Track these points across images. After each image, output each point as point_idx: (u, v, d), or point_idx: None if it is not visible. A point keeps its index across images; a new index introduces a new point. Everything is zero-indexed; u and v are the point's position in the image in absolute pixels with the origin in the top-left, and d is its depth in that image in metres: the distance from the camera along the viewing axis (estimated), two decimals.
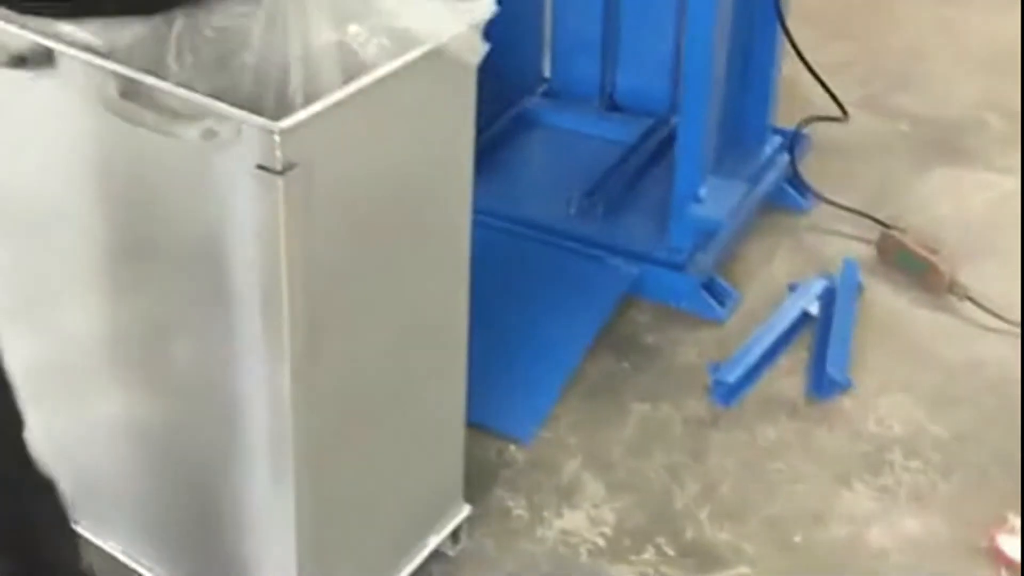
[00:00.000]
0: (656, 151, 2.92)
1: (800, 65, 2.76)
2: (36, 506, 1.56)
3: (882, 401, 2.46)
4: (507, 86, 3.08)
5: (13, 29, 1.63)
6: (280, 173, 1.50)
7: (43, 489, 1.58)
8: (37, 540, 1.56)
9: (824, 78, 2.83)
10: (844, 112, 2.78)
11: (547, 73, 3.17)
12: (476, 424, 2.25)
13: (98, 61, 1.58)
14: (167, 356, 1.78)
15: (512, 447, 2.34)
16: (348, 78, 1.61)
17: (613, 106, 3.10)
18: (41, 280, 1.89)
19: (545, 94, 3.15)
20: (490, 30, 2.95)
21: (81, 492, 2.00)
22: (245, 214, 1.56)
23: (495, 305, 2.51)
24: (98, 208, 1.73)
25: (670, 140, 2.92)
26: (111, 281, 1.79)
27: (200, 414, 1.79)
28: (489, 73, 2.96)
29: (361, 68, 1.62)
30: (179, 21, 1.63)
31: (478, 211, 2.60)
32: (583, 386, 2.48)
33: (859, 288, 2.71)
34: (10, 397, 1.51)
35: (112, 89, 1.56)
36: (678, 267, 2.63)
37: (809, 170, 3.02)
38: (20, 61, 1.65)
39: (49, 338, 1.94)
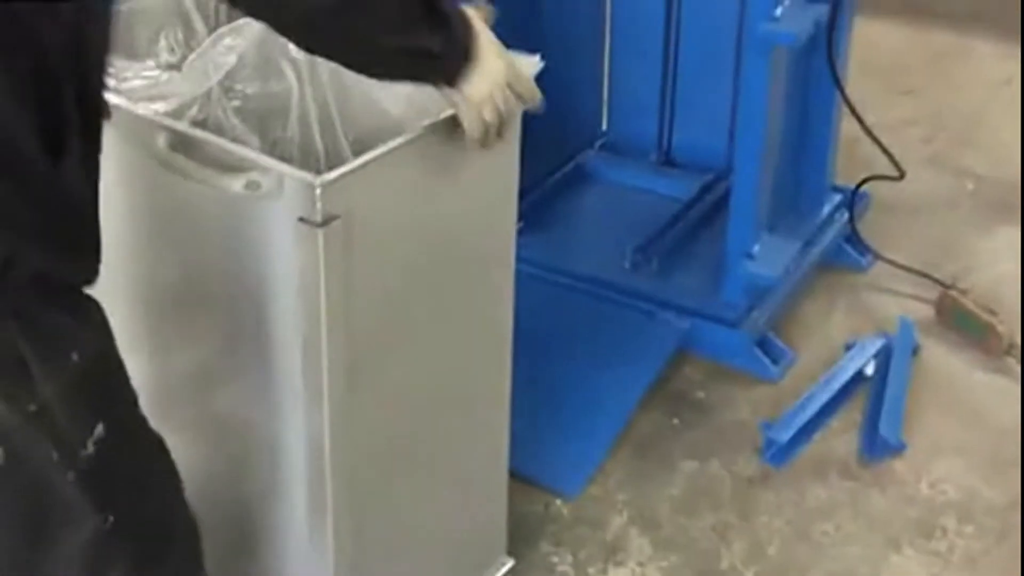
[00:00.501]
0: (712, 207, 2.92)
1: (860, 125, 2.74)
2: (148, 469, 1.60)
3: (936, 464, 2.41)
4: (564, 139, 3.10)
5: None
6: (320, 225, 1.52)
7: (157, 447, 1.62)
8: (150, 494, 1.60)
9: (887, 135, 2.81)
10: (901, 172, 2.75)
11: (604, 127, 3.19)
12: (523, 476, 2.26)
13: (150, 114, 1.63)
14: (209, 398, 1.81)
15: (559, 501, 2.34)
16: (391, 133, 1.63)
17: (670, 162, 3.11)
18: None
19: (602, 148, 3.17)
20: (548, 84, 2.99)
21: None
22: (287, 264, 1.58)
23: (547, 357, 2.53)
24: (144, 255, 1.77)
25: (726, 197, 2.92)
26: (157, 326, 1.82)
27: (240, 457, 1.81)
28: (546, 126, 2.99)
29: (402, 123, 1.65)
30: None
31: (531, 263, 2.65)
32: (632, 441, 2.47)
33: (915, 348, 2.67)
34: (127, 383, 1.56)
35: (161, 141, 1.60)
36: (731, 324, 2.62)
37: (869, 228, 3.00)
38: None
39: None
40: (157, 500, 1.62)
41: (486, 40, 1.59)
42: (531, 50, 2.99)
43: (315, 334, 1.58)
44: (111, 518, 1.50)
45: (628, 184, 3.08)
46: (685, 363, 2.66)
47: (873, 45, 3.63)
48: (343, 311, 1.59)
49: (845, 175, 2.98)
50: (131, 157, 1.70)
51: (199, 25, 1.83)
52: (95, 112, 1.41)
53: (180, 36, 1.84)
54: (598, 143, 3.18)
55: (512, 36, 2.93)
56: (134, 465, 1.56)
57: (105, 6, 1.39)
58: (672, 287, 2.72)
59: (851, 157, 3.01)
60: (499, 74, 1.60)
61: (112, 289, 1.84)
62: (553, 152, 3.08)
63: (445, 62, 1.54)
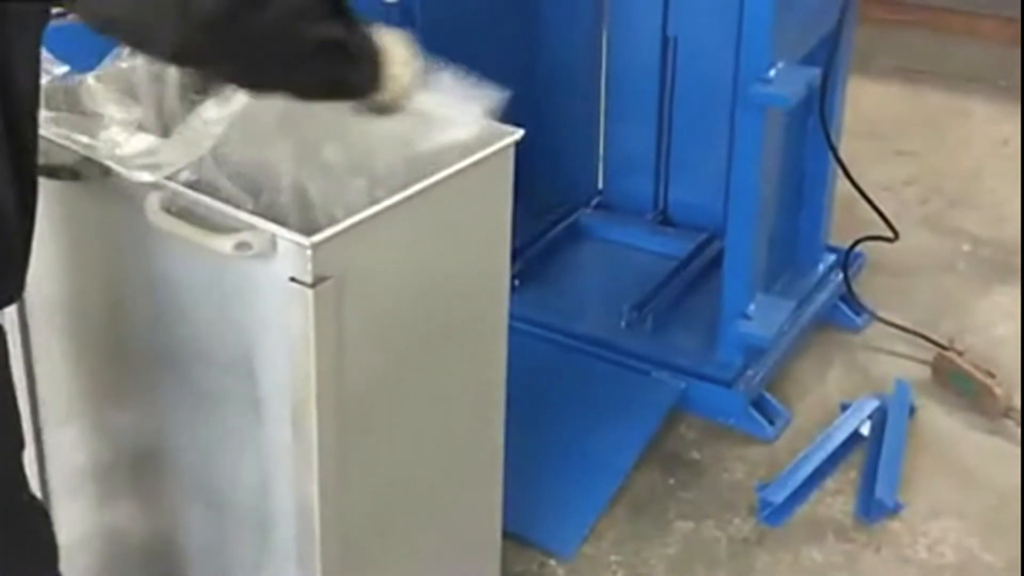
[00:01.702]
0: (707, 266, 2.92)
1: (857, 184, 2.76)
2: (28, 527, 1.56)
3: (933, 526, 2.40)
4: (560, 198, 3.11)
5: (67, 143, 1.68)
6: (311, 286, 1.52)
7: (37, 512, 1.59)
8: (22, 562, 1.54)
9: (883, 196, 2.82)
10: (895, 232, 2.76)
11: (600, 186, 3.20)
12: (517, 536, 2.25)
13: (147, 177, 1.63)
14: (196, 463, 1.80)
15: (553, 561, 2.32)
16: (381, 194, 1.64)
17: (666, 220, 3.12)
18: (86, 383, 1.93)
19: (598, 206, 3.18)
20: (544, 143, 3.01)
21: None
22: (277, 325, 1.58)
23: (541, 416, 2.52)
24: (134, 314, 1.77)
25: (722, 256, 2.92)
26: (142, 385, 1.82)
27: (229, 519, 1.79)
28: (543, 184, 3.02)
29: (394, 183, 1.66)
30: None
31: (527, 321, 2.65)
32: (627, 501, 2.45)
33: (912, 409, 2.67)
34: (16, 417, 1.51)
35: (153, 202, 1.61)
36: (726, 384, 2.61)
37: (864, 288, 3.00)
38: (74, 175, 1.71)
39: (93, 441, 1.97)
40: (35, 570, 1.58)
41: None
42: (526, 110, 3.02)
43: (306, 399, 1.58)
44: None
45: (624, 243, 3.09)
46: (680, 422, 2.65)
47: (868, 106, 3.66)
48: (335, 375, 1.59)
49: (842, 235, 2.99)
50: (121, 217, 1.71)
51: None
52: (27, 149, 1.41)
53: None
54: (594, 202, 3.19)
55: (509, 97, 2.98)
56: (16, 519, 1.52)
57: (27, 37, 1.38)
58: (667, 346, 2.71)
59: (847, 217, 3.02)
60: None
61: (97, 345, 1.85)
62: (549, 210, 3.10)
63: (355, 47, 1.49)
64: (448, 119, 1.63)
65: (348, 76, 1.51)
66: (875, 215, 2.79)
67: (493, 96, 1.66)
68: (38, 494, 2.05)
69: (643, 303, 2.79)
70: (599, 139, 3.16)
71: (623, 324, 2.77)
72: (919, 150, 3.75)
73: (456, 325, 1.80)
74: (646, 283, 2.87)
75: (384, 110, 1.58)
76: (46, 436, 2.03)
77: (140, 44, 1.42)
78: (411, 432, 1.79)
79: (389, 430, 1.74)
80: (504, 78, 2.91)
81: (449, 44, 2.71)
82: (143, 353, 1.80)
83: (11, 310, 1.79)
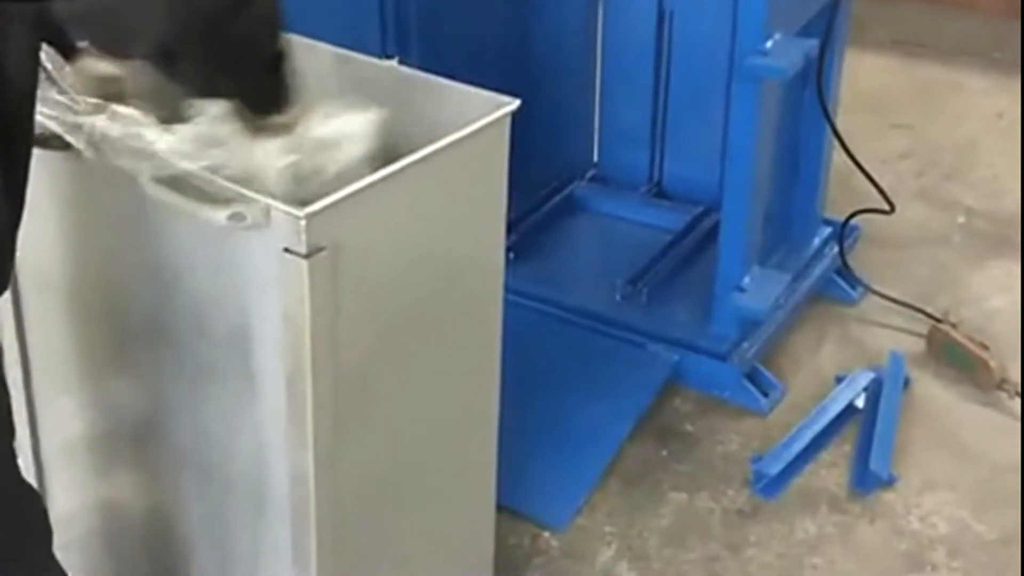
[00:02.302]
0: (703, 239, 2.92)
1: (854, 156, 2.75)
2: (21, 513, 1.56)
3: (926, 498, 2.40)
4: (555, 171, 3.10)
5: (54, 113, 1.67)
6: (306, 256, 1.52)
7: (29, 497, 1.59)
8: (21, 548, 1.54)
9: (878, 169, 2.81)
10: (891, 205, 2.75)
11: (596, 158, 3.19)
12: (510, 509, 2.26)
13: (138, 144, 1.62)
14: (190, 434, 1.79)
15: (546, 534, 2.32)
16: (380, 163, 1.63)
17: (661, 193, 3.11)
18: (80, 355, 1.92)
19: (593, 179, 3.17)
20: (539, 115, 3.00)
21: (106, 562, 2.04)
22: (272, 296, 1.58)
23: (535, 389, 2.52)
24: (130, 286, 1.77)
25: (717, 229, 2.91)
26: (136, 356, 1.82)
27: (224, 491, 1.79)
28: (538, 157, 3.01)
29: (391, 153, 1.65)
30: None
31: (521, 294, 2.64)
32: (621, 473, 2.46)
33: (906, 382, 2.67)
34: (7, 404, 1.50)
35: (145, 172, 1.60)
36: (721, 356, 2.61)
37: (859, 261, 3.00)
38: (65, 145, 1.70)
39: (87, 413, 1.96)
40: (28, 551, 1.57)
41: None
42: (522, 81, 3.01)
43: (301, 369, 1.57)
44: None
45: (619, 215, 3.08)
46: (674, 395, 2.65)
47: (864, 78, 3.64)
48: (329, 345, 1.58)
49: (837, 208, 2.98)
50: (114, 188, 1.70)
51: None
52: (18, 139, 1.40)
53: None
54: (589, 174, 3.18)
55: (503, 68, 2.97)
56: (7, 501, 1.52)
57: (17, 30, 1.36)
58: (662, 319, 2.71)
59: (843, 190, 3.01)
60: None
61: (91, 317, 1.85)
62: (544, 183, 3.08)
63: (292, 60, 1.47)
64: (339, 137, 1.61)
65: (285, 88, 1.53)
66: (871, 188, 2.78)
67: (375, 116, 1.63)
68: (31, 465, 2.06)
69: (638, 276, 2.79)
70: (594, 111, 3.15)
71: (617, 297, 2.77)
72: (914, 123, 3.74)
73: (452, 297, 1.80)
74: (641, 256, 2.86)
75: (280, 129, 1.57)
76: (39, 407, 2.02)
77: (117, 39, 1.38)
78: (406, 404, 1.78)
79: (384, 401, 1.74)
80: (499, 50, 2.94)
81: (443, 15, 2.73)
82: (138, 325, 1.80)
83: None
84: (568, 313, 2.75)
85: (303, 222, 1.50)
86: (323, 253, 1.53)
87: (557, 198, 3.09)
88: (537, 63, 3.05)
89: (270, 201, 1.53)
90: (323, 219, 1.51)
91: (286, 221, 1.52)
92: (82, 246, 1.81)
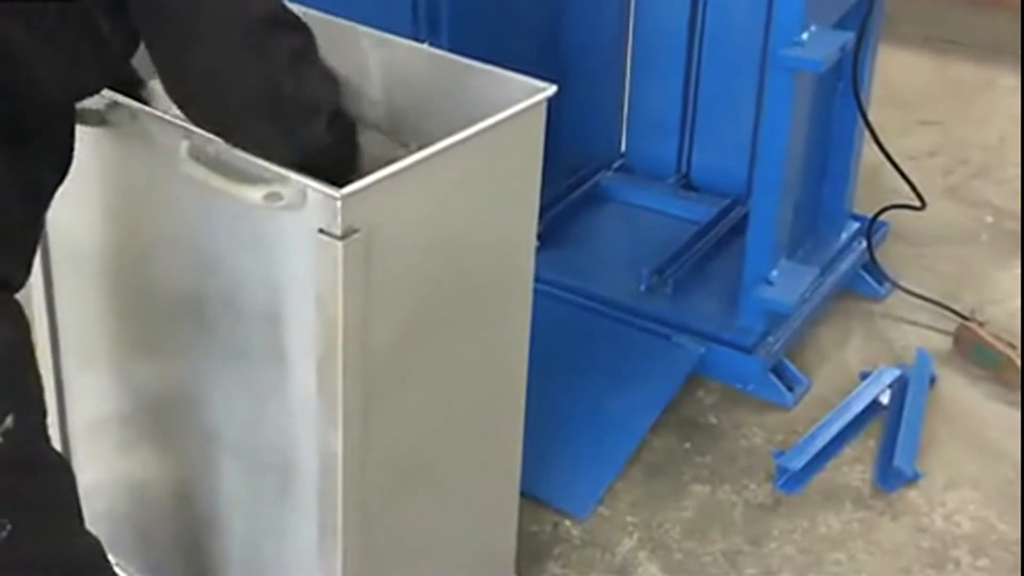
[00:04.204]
0: (730, 231, 2.91)
1: (883, 152, 2.73)
2: (54, 484, 1.59)
3: (950, 496, 2.39)
4: (583, 160, 3.09)
5: None
6: (340, 238, 1.51)
7: (62, 469, 1.61)
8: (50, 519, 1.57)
9: (907, 165, 2.80)
10: (923, 202, 2.74)
11: (623, 148, 3.18)
12: (533, 496, 2.25)
13: (175, 121, 1.62)
14: (219, 412, 1.79)
15: (568, 522, 2.32)
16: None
17: (688, 185, 3.09)
18: (110, 331, 1.93)
19: (620, 169, 3.16)
20: (567, 103, 2.98)
21: (130, 536, 2.04)
22: (305, 276, 1.57)
23: (559, 378, 2.51)
24: (163, 264, 1.77)
25: (745, 221, 2.90)
26: (167, 333, 1.82)
27: (252, 470, 1.80)
28: (565, 146, 3.00)
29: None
30: None
31: (547, 283, 2.63)
32: (644, 464, 2.45)
33: (932, 379, 2.65)
34: (39, 383, 1.55)
35: (183, 149, 1.60)
36: (746, 349, 2.60)
37: (887, 257, 2.98)
38: (101, 120, 1.70)
39: (115, 389, 1.97)
40: (57, 520, 1.60)
41: None
42: (551, 69, 3.00)
43: (332, 350, 1.57)
44: (8, 527, 1.47)
45: (646, 206, 3.06)
46: (699, 387, 2.65)
47: (895, 74, 3.62)
48: (361, 328, 1.58)
49: (865, 203, 2.97)
50: (150, 165, 1.70)
51: None
52: (43, 147, 1.50)
53: None
54: (616, 164, 3.17)
55: (533, 55, 2.95)
56: (37, 472, 1.55)
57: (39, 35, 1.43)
58: (688, 311, 2.70)
59: (872, 185, 3.00)
60: None
61: (123, 293, 1.85)
62: (571, 172, 3.07)
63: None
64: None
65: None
66: (899, 184, 2.76)
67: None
68: (58, 439, 2.06)
69: (664, 267, 2.77)
70: (623, 100, 3.13)
71: (643, 288, 2.76)
72: (944, 120, 3.72)
73: (482, 282, 1.79)
74: (667, 247, 2.85)
75: None
76: (68, 381, 2.03)
77: (225, 135, 1.56)
78: (434, 388, 1.78)
79: (413, 385, 1.73)
80: (529, 36, 2.92)
81: (477, 3, 2.72)
82: (170, 303, 1.80)
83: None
84: (593, 303, 2.74)
85: (339, 203, 1.50)
86: (358, 235, 1.53)
87: (584, 187, 3.08)
88: (567, 49, 3.03)
89: (306, 181, 1.52)
90: (358, 201, 1.51)
91: (322, 202, 1.52)
92: (116, 223, 1.81)
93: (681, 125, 3.06)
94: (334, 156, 1.62)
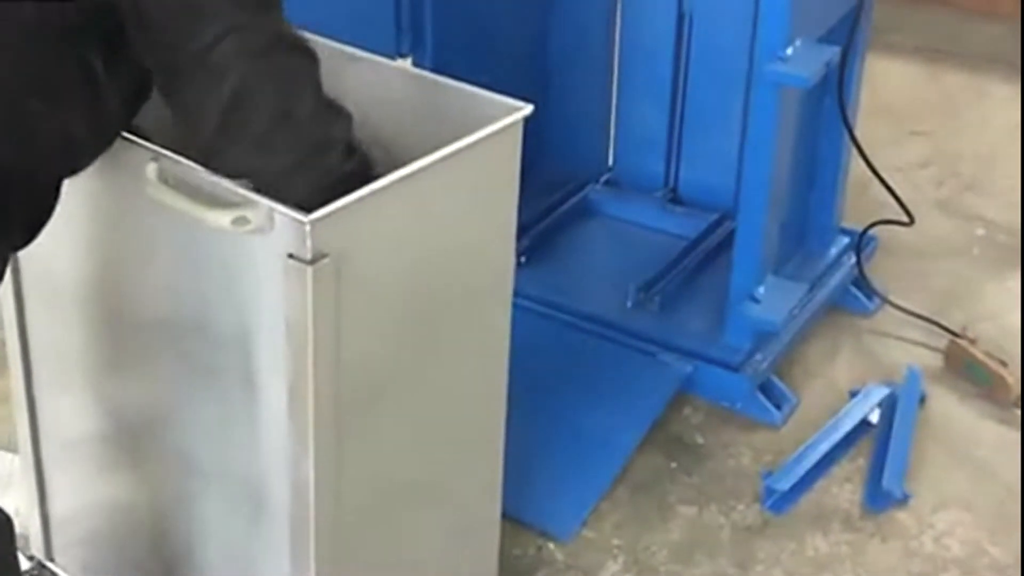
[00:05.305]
0: (718, 247, 2.87)
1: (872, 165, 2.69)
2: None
3: (940, 517, 2.35)
4: (569, 173, 3.05)
5: None
6: (310, 263, 1.48)
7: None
8: None
9: (897, 177, 2.76)
10: (911, 217, 2.70)
11: (610, 162, 3.14)
12: (515, 518, 2.22)
13: (141, 142, 1.59)
14: (189, 438, 1.76)
15: (551, 544, 2.28)
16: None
17: (676, 199, 3.05)
18: (82, 354, 1.89)
19: (607, 183, 3.12)
20: (553, 116, 2.95)
21: (105, 560, 2.01)
22: (275, 301, 1.54)
23: (543, 396, 2.48)
24: (133, 285, 1.74)
25: (733, 236, 2.87)
26: (147, 357, 1.79)
27: (223, 495, 1.76)
28: (551, 159, 2.97)
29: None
30: None
31: (532, 299, 2.60)
32: (629, 484, 2.42)
33: (922, 397, 2.62)
34: None
35: (150, 172, 1.56)
36: (733, 367, 2.57)
37: (877, 271, 2.95)
38: None
39: (89, 412, 1.93)
40: None
41: None
42: (537, 81, 2.97)
43: (302, 377, 1.54)
44: None
45: (632, 221, 3.02)
46: (685, 405, 2.61)
47: (885, 84, 3.59)
48: (332, 353, 1.55)
49: (855, 217, 2.93)
50: (119, 186, 1.67)
51: None
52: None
53: None
54: (603, 178, 3.13)
55: (518, 67, 2.92)
56: None
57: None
58: (674, 328, 2.66)
59: (861, 198, 2.96)
60: None
61: (93, 314, 1.81)
62: (557, 186, 3.04)
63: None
64: None
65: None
66: (889, 197, 2.72)
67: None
68: (31, 464, 2.03)
69: (650, 283, 2.74)
70: (610, 114, 3.10)
71: (629, 304, 2.72)
72: (935, 131, 3.68)
73: (459, 304, 1.76)
74: (654, 263, 2.81)
75: None
76: (40, 405, 1.99)
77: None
78: (410, 411, 1.75)
79: (388, 409, 1.70)
80: (515, 50, 2.89)
81: (458, 13, 2.69)
82: (140, 325, 1.77)
83: (6, 279, 1.75)
84: (578, 319, 2.70)
85: (307, 227, 1.47)
86: (327, 260, 1.50)
87: (570, 202, 3.04)
88: (553, 63, 3.01)
89: (274, 205, 1.49)
90: (328, 225, 1.48)
91: (290, 226, 1.48)
92: (86, 244, 1.78)
93: (669, 139, 3.02)
94: (352, 188, 1.54)
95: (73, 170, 1.59)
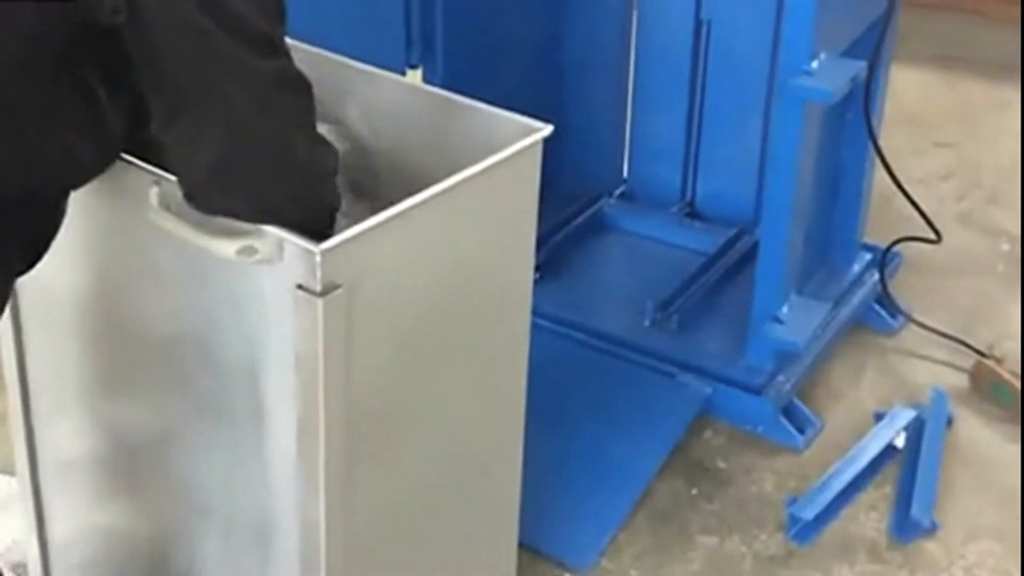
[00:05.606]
0: (737, 263, 2.79)
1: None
2: None
3: (970, 548, 2.27)
4: (583, 186, 2.97)
5: None
6: (320, 295, 1.41)
7: None
8: None
9: (918, 190, 2.68)
10: (938, 235, 2.62)
11: (625, 175, 3.06)
12: (532, 548, 2.14)
13: (143, 166, 1.52)
14: (195, 472, 1.68)
15: (569, 575, 2.20)
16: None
17: (693, 213, 2.97)
18: (80, 380, 1.82)
19: (622, 196, 3.04)
20: (566, 124, 2.87)
21: None
22: (284, 332, 1.47)
23: (559, 419, 2.40)
24: (137, 311, 1.66)
25: (753, 251, 2.79)
26: (149, 385, 1.72)
27: (228, 530, 1.69)
28: (565, 172, 2.89)
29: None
30: None
31: (546, 317, 2.52)
32: (649, 511, 2.34)
33: (948, 420, 2.53)
34: None
35: (152, 198, 1.49)
36: (755, 390, 2.49)
37: (900, 288, 2.87)
38: None
39: (88, 438, 1.86)
40: None
41: None
42: (550, 91, 2.89)
43: (312, 413, 1.47)
44: None
45: (648, 235, 2.94)
46: (705, 427, 2.53)
47: (904, 94, 3.50)
48: (344, 387, 1.47)
49: (876, 231, 2.85)
50: (122, 209, 1.59)
51: None
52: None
53: None
54: (618, 191, 3.05)
55: (531, 78, 2.85)
56: None
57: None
58: (694, 348, 2.58)
59: (884, 212, 2.88)
60: None
61: (96, 340, 1.73)
62: (571, 199, 2.96)
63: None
64: None
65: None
66: (912, 210, 2.63)
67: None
68: (29, 490, 1.96)
69: (668, 301, 2.66)
70: (625, 125, 3.02)
71: (647, 323, 2.64)
72: (956, 142, 3.60)
73: (475, 333, 1.68)
74: (672, 279, 2.73)
75: None
76: (38, 429, 1.92)
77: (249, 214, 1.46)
78: (424, 446, 1.67)
79: (400, 444, 1.63)
80: (528, 60, 2.81)
81: (470, 22, 2.61)
82: (143, 352, 1.69)
83: None
84: (593, 338, 2.63)
85: (318, 258, 1.39)
86: (339, 291, 1.42)
87: (585, 215, 2.96)
88: (567, 72, 2.93)
89: (283, 234, 1.41)
90: (340, 255, 1.41)
91: (300, 256, 1.41)
92: (88, 268, 1.71)
93: (685, 151, 2.95)
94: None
95: (74, 186, 1.52)
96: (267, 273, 1.45)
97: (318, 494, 1.52)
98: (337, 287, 1.41)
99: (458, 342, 1.65)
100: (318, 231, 1.44)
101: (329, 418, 1.48)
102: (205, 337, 1.58)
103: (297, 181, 1.44)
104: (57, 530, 2.00)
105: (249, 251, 1.42)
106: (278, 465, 1.56)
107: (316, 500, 1.53)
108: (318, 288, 1.40)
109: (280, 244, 1.42)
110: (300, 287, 1.41)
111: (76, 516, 1.96)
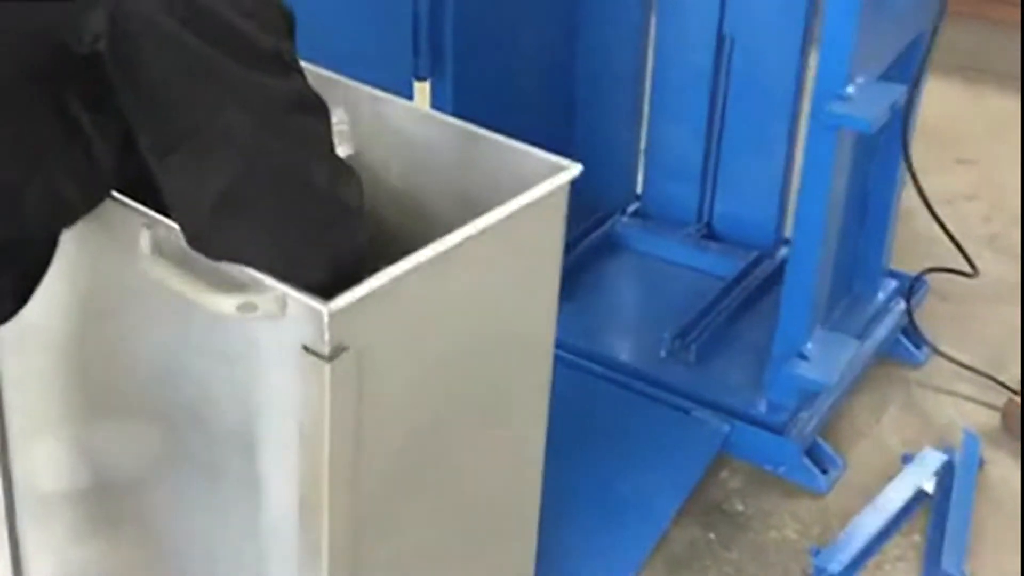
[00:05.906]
0: (757, 289, 2.66)
1: (917, 195, 2.46)
2: None
3: None
4: (594, 201, 2.82)
5: None
6: (328, 359, 1.27)
7: None
8: None
9: (943, 210, 2.52)
10: (973, 267, 2.49)
11: (639, 191, 2.93)
12: None
13: (135, 206, 1.38)
14: (189, 534, 1.55)
15: None
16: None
17: (710, 234, 2.83)
18: (59, 428, 1.68)
19: (635, 214, 2.90)
20: (579, 140, 2.72)
21: None
22: (285, 397, 1.33)
23: (572, 454, 2.25)
24: (127, 357, 1.53)
25: (773, 277, 2.66)
26: (136, 442, 1.59)
27: None
28: (575, 187, 2.75)
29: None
30: None
31: (557, 345, 2.35)
32: (664, 557, 2.21)
33: (980, 462, 2.41)
34: None
35: (144, 243, 1.35)
36: (777, 429, 2.36)
37: (925, 317, 2.73)
38: None
39: (70, 481, 1.73)
40: None
41: None
42: (562, 102, 2.74)
43: (316, 487, 1.33)
44: None
45: (663, 257, 2.81)
46: (723, 466, 2.40)
47: (926, 107, 3.34)
48: (351, 460, 1.34)
49: (901, 253, 2.72)
50: (109, 252, 1.45)
51: None
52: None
53: None
54: (631, 208, 2.92)
55: (543, 89, 2.70)
56: None
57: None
58: (712, 381, 2.45)
59: (907, 232, 2.74)
60: None
61: (81, 381, 1.60)
62: (582, 216, 2.82)
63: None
64: None
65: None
66: (937, 229, 2.48)
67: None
68: (4, 528, 1.83)
69: (686, 330, 2.52)
70: (639, 139, 2.88)
71: (663, 353, 2.51)
72: (980, 159, 3.47)
73: (495, 389, 1.55)
74: (689, 305, 2.60)
75: None
76: (15, 468, 1.78)
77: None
78: (438, 510, 1.54)
79: (413, 511, 1.49)
80: (539, 69, 2.67)
81: (482, 33, 2.47)
82: (132, 400, 1.56)
83: None
84: (608, 369, 2.49)
85: (326, 318, 1.25)
86: (348, 353, 1.28)
87: (596, 233, 2.83)
88: (580, 84, 2.79)
89: (287, 290, 1.27)
90: (350, 314, 1.27)
91: (306, 315, 1.27)
92: (71, 311, 1.56)
93: (703, 168, 2.81)
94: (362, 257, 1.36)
95: (60, 229, 1.39)
96: (268, 330, 1.31)
97: (321, 571, 1.39)
98: (346, 349, 1.28)
99: (477, 399, 1.52)
100: (341, 279, 1.30)
101: (334, 495, 1.34)
102: (197, 396, 1.44)
103: (316, 216, 1.29)
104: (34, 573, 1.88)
105: (249, 307, 1.28)
106: (276, 540, 1.43)
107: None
108: (326, 351, 1.26)
109: (283, 300, 1.28)
110: (306, 348, 1.28)
111: (54, 560, 1.83)
